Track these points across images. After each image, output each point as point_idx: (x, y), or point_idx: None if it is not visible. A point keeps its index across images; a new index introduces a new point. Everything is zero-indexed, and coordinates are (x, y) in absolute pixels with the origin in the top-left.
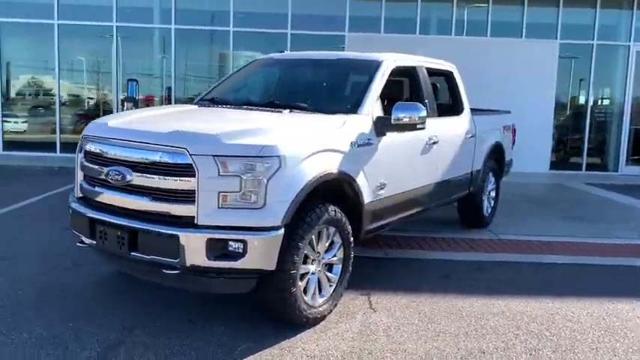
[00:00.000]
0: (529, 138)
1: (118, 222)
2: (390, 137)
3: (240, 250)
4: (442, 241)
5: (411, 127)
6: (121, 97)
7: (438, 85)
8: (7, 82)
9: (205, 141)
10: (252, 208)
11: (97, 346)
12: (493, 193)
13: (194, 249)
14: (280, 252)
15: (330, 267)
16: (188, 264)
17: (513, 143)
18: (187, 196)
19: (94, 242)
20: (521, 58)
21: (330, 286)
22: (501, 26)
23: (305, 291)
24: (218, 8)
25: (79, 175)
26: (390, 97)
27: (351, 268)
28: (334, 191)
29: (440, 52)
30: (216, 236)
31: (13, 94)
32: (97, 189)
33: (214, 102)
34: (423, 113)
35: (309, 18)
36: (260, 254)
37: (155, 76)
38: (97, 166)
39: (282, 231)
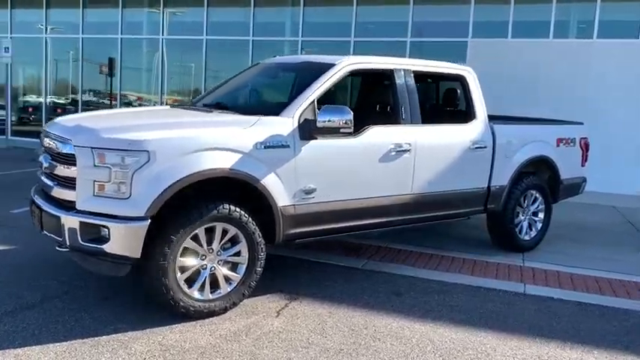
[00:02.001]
0: None
1: (37, 202)
2: (323, 141)
3: (106, 236)
4: (443, 259)
5: (336, 130)
6: None
7: (458, 90)
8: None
9: (86, 134)
10: (120, 198)
11: (10, 307)
12: (541, 215)
13: (71, 230)
14: (148, 242)
15: (234, 266)
16: (68, 243)
17: (585, 160)
18: (73, 183)
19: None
20: None
21: (230, 284)
22: None
23: (191, 284)
24: (341, 20)
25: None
26: (348, 101)
27: (260, 269)
28: (242, 190)
29: (571, 57)
30: (87, 220)
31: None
32: (40, 175)
33: (192, 103)
34: (349, 117)
35: (431, 25)
36: (122, 241)
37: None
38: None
39: (146, 222)
